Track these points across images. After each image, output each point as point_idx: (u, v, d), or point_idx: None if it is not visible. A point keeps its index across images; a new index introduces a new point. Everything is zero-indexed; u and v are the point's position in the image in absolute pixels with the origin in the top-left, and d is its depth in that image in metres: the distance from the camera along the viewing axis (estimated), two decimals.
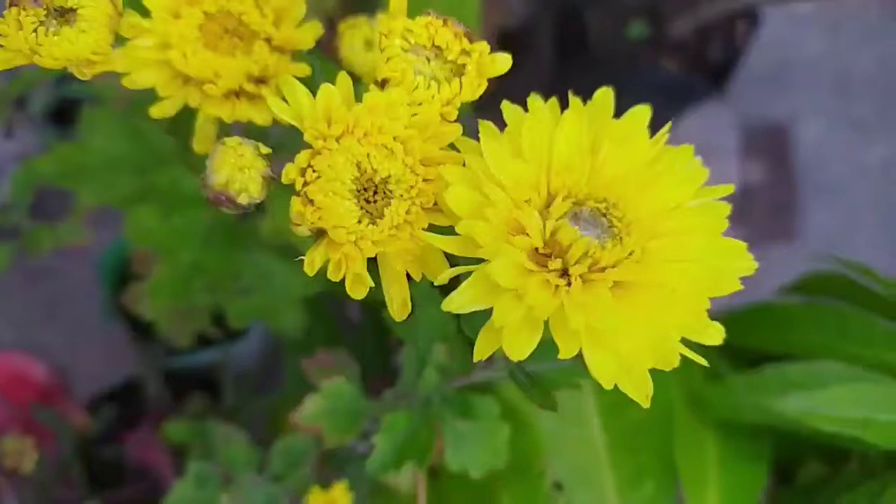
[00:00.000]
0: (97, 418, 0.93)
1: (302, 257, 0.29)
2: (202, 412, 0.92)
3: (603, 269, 0.30)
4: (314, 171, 0.29)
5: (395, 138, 0.29)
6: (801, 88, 1.40)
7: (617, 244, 0.30)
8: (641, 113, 0.33)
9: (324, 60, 0.39)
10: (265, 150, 0.30)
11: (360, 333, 0.70)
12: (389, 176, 0.29)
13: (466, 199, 0.29)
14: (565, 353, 0.27)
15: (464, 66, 0.30)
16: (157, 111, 0.34)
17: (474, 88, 0.30)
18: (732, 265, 0.31)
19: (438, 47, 0.30)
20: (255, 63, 0.34)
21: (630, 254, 0.30)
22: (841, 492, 0.62)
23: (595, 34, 1.01)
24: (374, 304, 0.35)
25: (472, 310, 0.28)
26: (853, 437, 0.54)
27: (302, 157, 0.29)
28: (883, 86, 1.43)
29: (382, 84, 0.30)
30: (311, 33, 0.34)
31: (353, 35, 0.39)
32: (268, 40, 0.35)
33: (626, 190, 0.31)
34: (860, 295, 0.67)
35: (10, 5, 0.30)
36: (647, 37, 1.01)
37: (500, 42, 0.98)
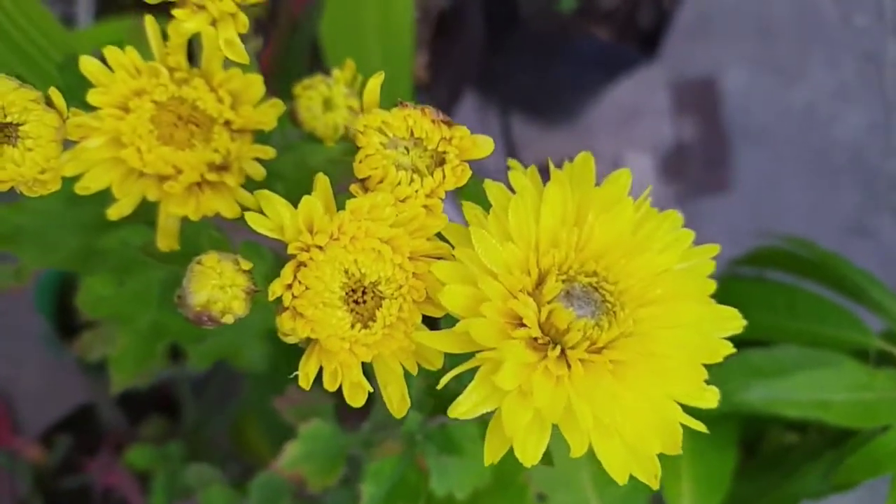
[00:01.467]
0: (53, 450, 0.90)
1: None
2: (162, 435, 0.90)
3: (600, 350, 0.30)
4: (301, 283, 0.28)
5: (380, 239, 0.28)
6: (724, 39, 1.42)
7: (612, 321, 0.30)
8: (622, 178, 0.32)
9: (282, 123, 0.37)
10: (245, 264, 0.28)
11: None
12: (379, 278, 0.28)
13: (461, 296, 0.28)
14: (577, 451, 0.27)
15: (444, 153, 0.29)
16: (114, 213, 0.32)
17: (457, 175, 0.29)
18: (723, 328, 0.31)
19: (417, 138, 0.29)
20: (215, 152, 0.32)
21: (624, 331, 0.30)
22: (804, 460, 0.65)
23: (526, 8, 1.00)
24: None
25: (481, 413, 0.28)
26: (815, 419, 0.57)
27: (287, 272, 0.27)
28: (800, 28, 1.46)
29: (361, 183, 0.29)
30: (272, 113, 0.33)
31: (311, 96, 0.37)
32: (226, 124, 0.33)
33: (614, 259, 0.31)
34: (808, 267, 0.70)
35: None
36: (578, 8, 1.01)
37: (434, 22, 0.96)
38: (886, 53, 1.48)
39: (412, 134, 0.29)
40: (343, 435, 0.53)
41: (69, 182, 0.48)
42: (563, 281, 0.30)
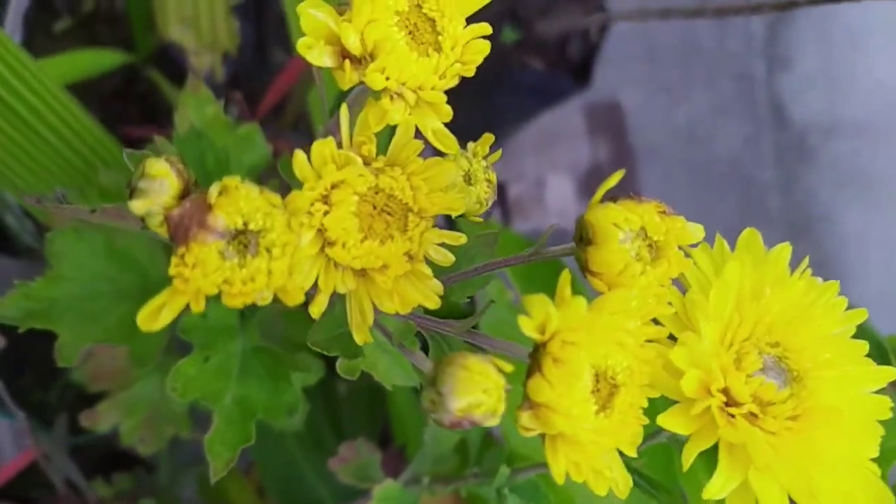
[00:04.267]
0: None
1: None
2: (128, 491, 0.84)
3: (797, 417, 0.32)
4: (560, 379, 0.28)
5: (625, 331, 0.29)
6: (619, 63, 1.51)
7: (802, 388, 0.33)
8: (785, 252, 0.35)
9: None
10: (506, 366, 0.28)
11: (349, 407, 0.68)
12: (620, 368, 0.29)
13: (694, 382, 0.30)
14: None
15: (661, 241, 0.31)
16: (316, 310, 0.31)
17: (676, 263, 0.30)
18: (880, 382, 0.35)
19: (644, 230, 0.30)
20: (410, 241, 0.32)
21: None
22: None
23: None
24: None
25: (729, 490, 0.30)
26: None
27: (548, 368, 0.28)
28: (682, 53, 1.58)
29: (595, 273, 0.30)
30: (460, 199, 0.33)
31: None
32: (419, 211, 0.32)
33: (789, 328, 0.34)
34: None
35: (182, 243, 0.25)
36: (518, 40, 1.04)
37: None
38: (756, 74, 1.63)
39: (641, 227, 0.30)
40: (409, 491, 0.53)
41: (104, 242, 0.46)
42: (758, 354, 0.33)
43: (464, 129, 1.02)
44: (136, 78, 0.89)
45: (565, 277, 0.29)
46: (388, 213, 0.32)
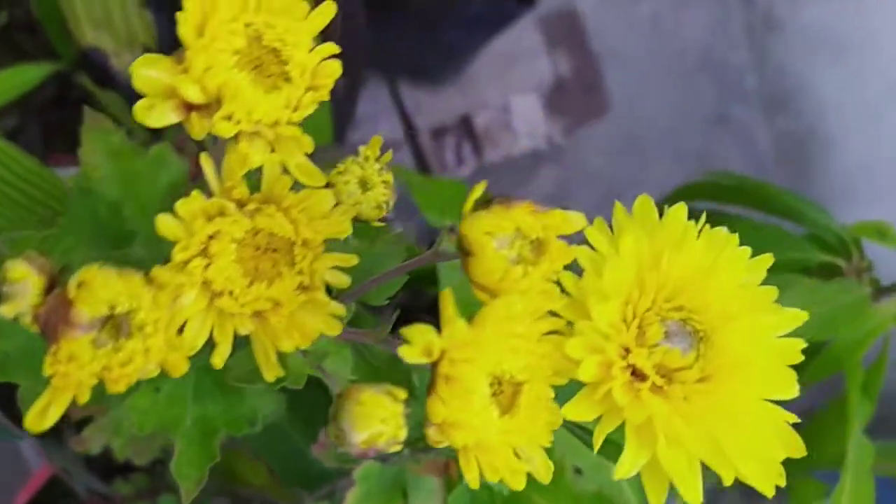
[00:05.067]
0: None
1: None
2: (147, 488, 0.87)
3: (707, 377, 0.33)
4: (453, 398, 0.29)
5: (516, 336, 0.30)
6: None
7: (709, 347, 0.33)
8: (679, 212, 0.35)
9: None
10: (401, 393, 0.29)
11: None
12: (517, 370, 0.30)
13: (593, 368, 0.31)
14: (728, 479, 0.31)
15: (545, 238, 0.31)
16: (219, 360, 0.31)
17: (559, 256, 0.31)
18: (790, 326, 0.35)
19: (520, 230, 0.30)
20: (300, 274, 0.32)
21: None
22: None
23: None
24: None
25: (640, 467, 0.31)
26: None
27: (443, 390, 0.28)
28: None
29: (478, 285, 0.30)
30: (345, 220, 0.33)
31: (347, 181, 0.37)
32: (305, 242, 0.32)
33: (692, 289, 0.34)
34: (733, 195, 0.76)
35: (52, 341, 0.26)
36: None
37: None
38: None
39: (516, 228, 0.30)
40: (389, 466, 0.55)
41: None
42: (660, 322, 0.33)
43: (416, 70, 1.01)
44: (70, 84, 0.88)
45: (447, 297, 0.29)
46: (274, 250, 0.32)
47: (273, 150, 0.31)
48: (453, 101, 1.22)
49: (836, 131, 1.43)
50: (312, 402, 0.69)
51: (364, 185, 0.37)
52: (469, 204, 0.30)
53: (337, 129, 0.96)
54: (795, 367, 0.68)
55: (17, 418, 0.83)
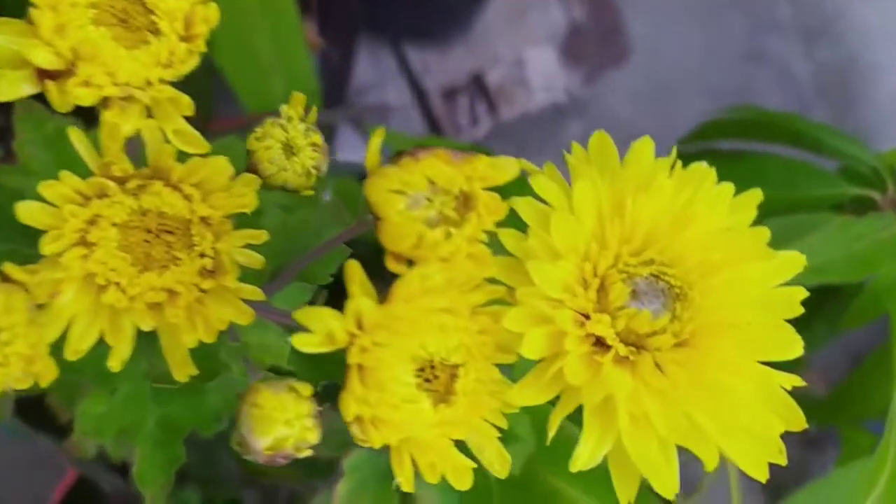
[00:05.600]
0: None
1: None
2: (172, 481, 0.86)
3: (687, 342, 0.28)
4: (372, 389, 0.24)
5: (440, 311, 0.25)
6: None
7: (686, 305, 0.28)
8: (645, 148, 0.30)
9: None
10: (304, 388, 0.25)
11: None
12: (448, 351, 0.25)
13: (540, 341, 0.26)
14: (711, 464, 0.26)
15: (469, 190, 0.26)
16: (115, 363, 0.28)
17: (492, 210, 0.26)
18: (788, 272, 0.30)
19: (435, 183, 0.25)
20: (202, 257, 0.28)
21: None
22: (807, 318, 0.67)
23: None
24: None
25: (602, 457, 0.26)
26: (815, 284, 0.58)
27: (353, 384, 0.24)
28: None
29: (393, 254, 0.25)
30: (249, 191, 0.28)
31: (269, 146, 0.32)
32: (203, 219, 0.28)
33: (665, 238, 0.29)
34: (758, 130, 0.70)
35: None
36: None
37: None
38: None
39: (429, 181, 0.25)
40: (381, 455, 0.51)
41: None
42: (625, 281, 0.28)
43: (420, 31, 0.96)
44: None
45: (353, 269, 0.25)
46: (169, 233, 0.28)
47: (152, 117, 0.27)
48: (463, 60, 1.16)
49: (882, 58, 1.32)
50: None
51: (288, 149, 0.33)
52: (371, 158, 0.25)
53: (333, 97, 0.92)
54: (830, 312, 0.62)
55: (35, 422, 0.82)
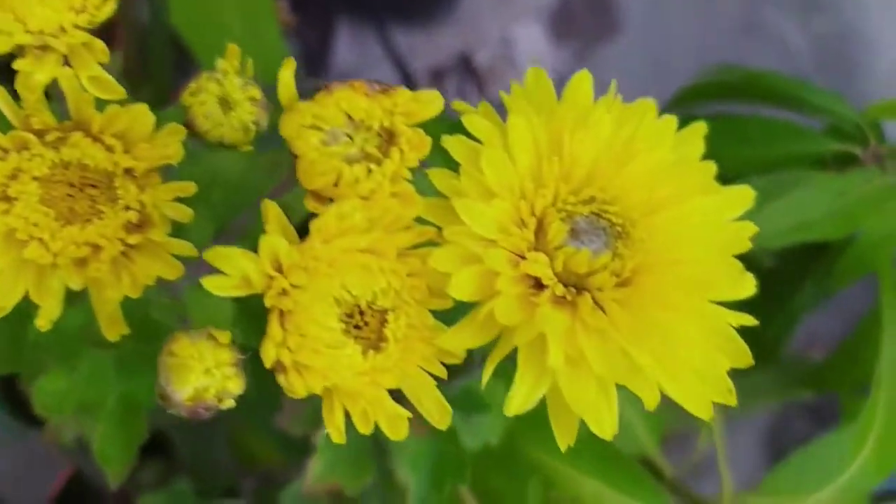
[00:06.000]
0: None
1: None
2: (163, 476, 0.86)
3: (629, 281, 0.27)
4: (293, 334, 0.23)
5: (361, 251, 0.24)
6: None
7: (628, 243, 0.27)
8: (583, 82, 0.29)
9: None
10: (223, 336, 0.24)
11: None
12: (373, 294, 0.24)
13: (470, 282, 0.25)
14: (651, 403, 0.25)
15: (391, 125, 0.25)
16: (43, 322, 0.27)
17: (416, 146, 0.25)
18: (737, 208, 0.29)
19: (358, 120, 0.24)
20: (127, 210, 0.27)
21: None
22: (793, 280, 0.66)
23: None
24: None
25: (537, 400, 0.25)
26: (799, 241, 0.57)
27: (274, 328, 0.23)
28: None
29: (314, 194, 0.24)
30: (174, 141, 0.27)
31: (204, 101, 0.31)
32: (127, 171, 0.27)
33: (605, 175, 0.28)
34: (740, 91, 0.68)
35: None
36: None
37: None
38: None
39: (350, 118, 0.24)
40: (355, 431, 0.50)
41: None
42: (563, 219, 0.27)
43: (405, 12, 0.94)
44: None
45: (269, 208, 0.24)
46: (93, 186, 0.27)
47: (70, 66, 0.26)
48: (450, 41, 1.15)
49: (879, 29, 1.29)
50: None
51: (225, 104, 0.32)
52: (283, 92, 0.24)
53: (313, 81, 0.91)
54: (819, 273, 0.61)
55: (25, 418, 0.82)
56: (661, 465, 0.58)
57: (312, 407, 0.53)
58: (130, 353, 0.43)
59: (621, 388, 0.49)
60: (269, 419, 0.65)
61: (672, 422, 0.68)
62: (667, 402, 0.65)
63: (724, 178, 0.61)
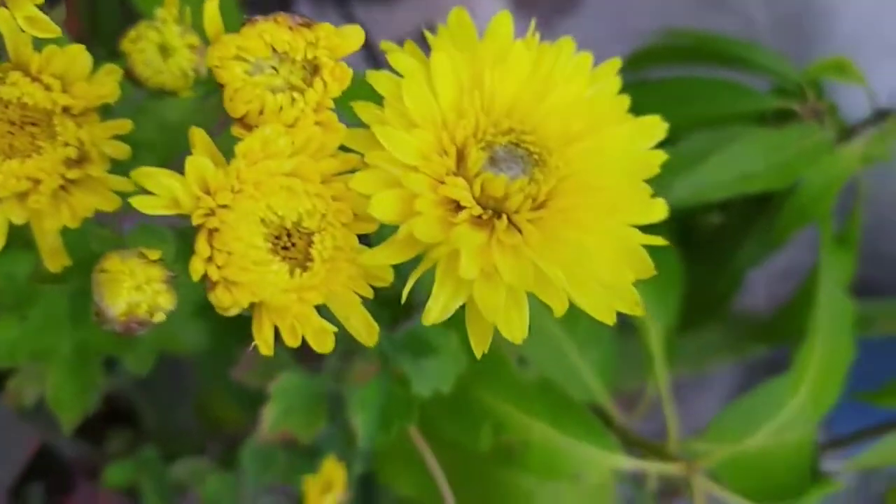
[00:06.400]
0: None
1: None
2: (131, 444, 0.87)
3: (544, 204, 0.28)
4: (221, 251, 0.25)
5: (285, 175, 0.25)
6: None
7: (544, 170, 0.29)
8: (503, 22, 0.30)
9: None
10: (153, 253, 0.25)
11: None
12: (299, 216, 0.26)
13: (390, 202, 0.26)
14: (559, 311, 0.27)
15: (315, 58, 0.26)
16: None
17: (338, 78, 0.26)
18: (650, 138, 0.30)
19: (282, 52, 0.26)
20: (66, 146, 0.28)
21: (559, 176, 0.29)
22: (737, 234, 0.68)
23: None
24: None
25: (453, 310, 0.26)
26: (740, 193, 0.59)
27: (201, 245, 0.25)
28: None
29: (241, 123, 0.26)
30: (111, 81, 0.29)
31: (143, 48, 0.33)
32: (66, 111, 0.29)
33: (524, 108, 0.29)
34: (689, 54, 0.70)
35: None
36: None
37: None
38: None
39: (274, 50, 0.25)
40: (312, 379, 0.51)
41: None
42: (483, 149, 0.29)
43: None
44: None
45: (197, 134, 0.25)
46: (33, 124, 0.29)
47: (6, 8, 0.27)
48: (411, 13, 1.16)
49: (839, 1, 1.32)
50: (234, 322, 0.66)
51: (164, 51, 0.33)
52: (209, 26, 0.25)
53: None
54: (762, 227, 0.63)
55: None
56: (610, 413, 0.60)
57: (266, 360, 0.55)
58: (82, 301, 0.45)
59: (570, 339, 0.50)
60: (232, 379, 0.66)
61: (628, 380, 0.70)
62: (619, 358, 0.67)
63: (673, 136, 0.64)
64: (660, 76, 0.73)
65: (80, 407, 0.42)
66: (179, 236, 0.34)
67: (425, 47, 1.00)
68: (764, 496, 0.57)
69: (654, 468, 0.57)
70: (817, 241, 0.64)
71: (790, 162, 0.58)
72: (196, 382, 0.83)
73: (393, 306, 0.46)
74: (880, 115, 0.57)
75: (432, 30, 1.01)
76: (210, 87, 0.35)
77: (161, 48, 0.33)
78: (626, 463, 0.55)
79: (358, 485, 0.57)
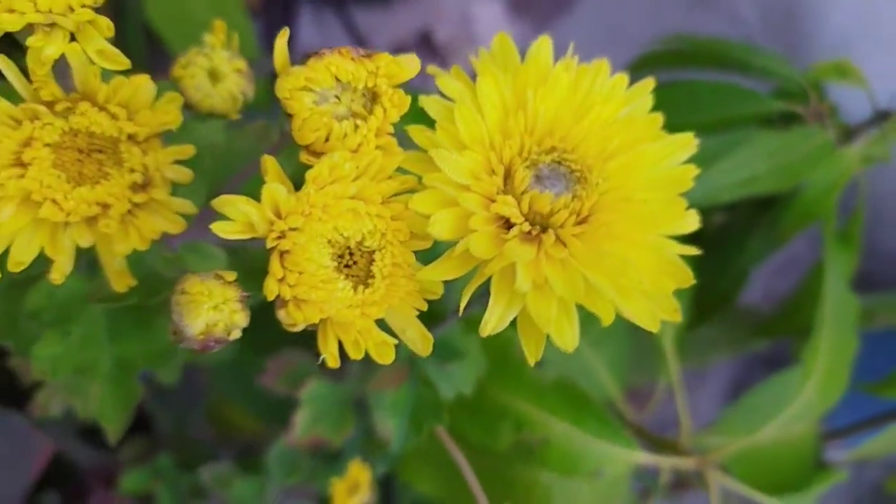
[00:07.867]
0: None
1: None
2: (146, 451, 0.88)
3: (587, 219, 0.30)
4: (292, 271, 0.26)
5: (350, 197, 0.27)
6: None
7: (586, 186, 0.30)
8: (544, 47, 0.32)
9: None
10: (229, 275, 0.27)
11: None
12: (362, 236, 0.28)
13: (447, 221, 0.28)
14: (607, 319, 0.28)
15: (374, 86, 0.28)
16: (57, 275, 0.30)
17: (397, 104, 0.28)
18: (682, 153, 0.32)
19: (345, 82, 0.27)
20: (132, 172, 0.30)
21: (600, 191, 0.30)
22: (743, 233, 0.70)
23: None
24: None
25: (508, 322, 0.28)
26: (746, 195, 0.61)
27: (275, 265, 0.26)
28: None
29: (308, 150, 0.27)
30: (173, 108, 0.30)
31: (194, 73, 0.34)
32: (130, 138, 0.30)
33: (565, 127, 0.31)
34: (692, 58, 0.72)
35: None
36: None
37: None
38: None
39: (337, 80, 0.27)
40: (340, 385, 0.53)
41: None
42: (528, 167, 0.30)
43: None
44: None
45: (268, 162, 0.27)
46: (100, 151, 0.30)
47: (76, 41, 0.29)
48: (409, 18, 1.18)
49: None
50: (264, 330, 0.68)
51: (214, 76, 0.35)
52: (278, 59, 0.27)
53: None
54: (766, 225, 0.65)
55: (4, 400, 0.83)
56: (623, 410, 0.62)
57: (292, 368, 0.56)
58: (120, 319, 0.46)
59: (583, 338, 0.52)
60: (250, 388, 0.67)
61: (636, 377, 0.72)
62: (631, 359, 0.69)
63: None
64: (662, 81, 0.75)
65: (123, 418, 0.43)
66: (231, 254, 0.35)
67: (425, 51, 1.03)
68: (772, 487, 0.59)
69: (668, 462, 0.59)
70: (813, 236, 0.66)
71: (794, 164, 0.60)
72: (207, 391, 0.84)
73: (422, 316, 0.48)
74: (881, 117, 0.59)
75: (430, 33, 1.03)
76: (253, 109, 0.36)
77: (211, 73, 0.34)
78: (643, 458, 0.57)
79: (378, 484, 0.59)
